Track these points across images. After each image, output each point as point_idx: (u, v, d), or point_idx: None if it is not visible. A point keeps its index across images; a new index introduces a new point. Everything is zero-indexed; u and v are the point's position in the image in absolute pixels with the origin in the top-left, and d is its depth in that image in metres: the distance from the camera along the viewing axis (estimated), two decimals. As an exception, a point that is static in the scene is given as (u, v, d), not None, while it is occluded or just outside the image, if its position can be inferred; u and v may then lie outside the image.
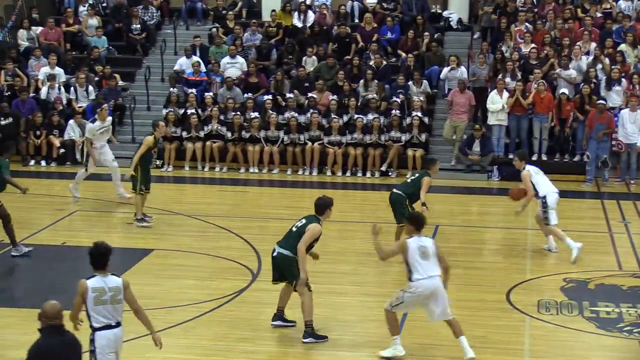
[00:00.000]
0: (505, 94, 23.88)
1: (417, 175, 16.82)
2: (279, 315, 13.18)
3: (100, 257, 9.72)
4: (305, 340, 12.68)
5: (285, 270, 12.75)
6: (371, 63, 25.69)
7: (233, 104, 24.59)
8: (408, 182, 16.81)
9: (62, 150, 24.17)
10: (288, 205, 19.15)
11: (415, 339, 12.82)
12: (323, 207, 12.88)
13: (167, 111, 24.50)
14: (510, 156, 23.79)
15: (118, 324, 9.85)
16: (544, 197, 16.82)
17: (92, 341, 9.67)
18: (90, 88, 25.37)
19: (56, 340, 8.37)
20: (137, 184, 18.33)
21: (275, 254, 12.81)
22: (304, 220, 12.84)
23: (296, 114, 24.25)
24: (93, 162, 19.95)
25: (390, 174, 23.48)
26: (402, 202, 16.36)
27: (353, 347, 12.69)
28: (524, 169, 16.99)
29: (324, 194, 13.52)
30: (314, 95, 24.79)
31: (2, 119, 24.25)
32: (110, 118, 20.44)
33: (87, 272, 15.52)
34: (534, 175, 16.95)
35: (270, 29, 27.22)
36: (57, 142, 24.18)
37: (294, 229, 12.81)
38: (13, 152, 19.93)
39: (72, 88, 25.50)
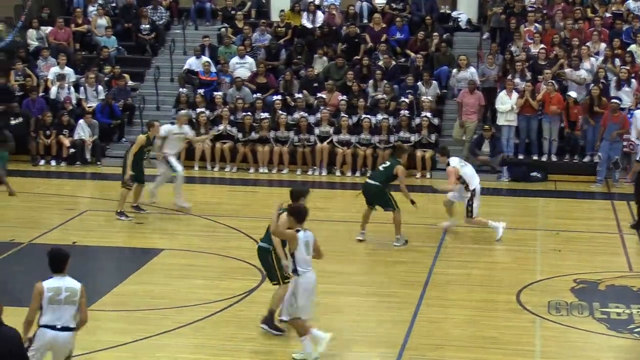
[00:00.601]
0: (515, 95, 23.85)
1: (388, 163, 17.46)
2: (269, 319, 12.97)
3: (60, 261, 9.86)
4: (261, 325, 12.81)
5: (264, 263, 13.05)
6: (380, 63, 25.69)
7: (242, 104, 24.61)
8: (381, 170, 17.53)
9: (72, 150, 24.20)
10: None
11: (425, 340, 12.82)
12: (297, 196, 12.89)
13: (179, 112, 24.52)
14: (520, 157, 23.83)
15: (64, 329, 9.76)
16: (474, 190, 17.42)
17: (34, 336, 9.67)
18: (100, 88, 25.41)
19: None
20: (126, 179, 18.76)
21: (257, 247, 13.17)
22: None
23: (306, 114, 24.26)
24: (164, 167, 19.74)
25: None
26: (380, 191, 17.10)
27: (364, 348, 12.68)
28: (448, 164, 17.51)
29: (302, 183, 13.64)
30: (323, 96, 24.80)
31: (12, 118, 24.30)
32: (186, 127, 20.27)
33: (96, 272, 15.60)
34: (461, 169, 17.52)
35: (279, 29, 27.23)
36: (67, 141, 24.21)
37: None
38: (13, 145, 19.93)
39: (81, 88, 25.54)
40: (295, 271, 11.78)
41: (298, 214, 11.82)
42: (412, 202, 17.16)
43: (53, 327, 9.70)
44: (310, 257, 11.88)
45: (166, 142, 19.63)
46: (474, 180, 17.53)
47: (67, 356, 10.01)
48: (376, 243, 17.55)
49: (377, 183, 17.19)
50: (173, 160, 19.70)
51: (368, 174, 18.27)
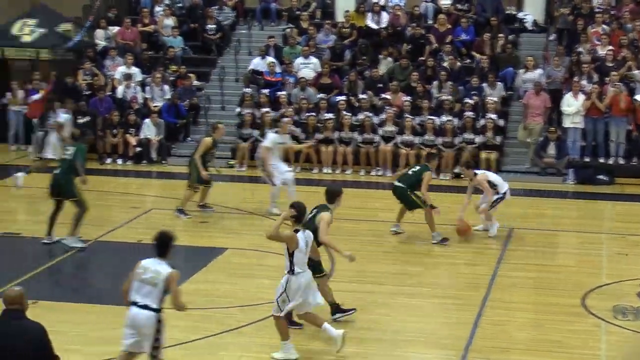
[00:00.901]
0: (581, 97, 23.62)
1: (417, 168, 17.87)
2: (336, 308, 13.29)
3: (159, 246, 10.41)
4: (333, 318, 13.08)
5: None
6: (445, 64, 25.59)
7: (307, 104, 24.67)
8: (409, 173, 17.77)
9: (138, 149, 24.44)
10: (360, 206, 19.13)
11: (489, 342, 12.75)
12: (333, 195, 13.18)
13: (243, 112, 24.66)
14: (587, 159, 23.58)
15: (145, 307, 10.23)
16: (504, 193, 17.82)
17: None
18: (166, 87, 25.63)
19: (4, 322, 8.32)
20: (191, 181, 18.88)
21: None
22: (314, 211, 13.14)
23: (371, 114, 24.25)
24: (271, 174, 19.48)
25: (463, 176, 23.33)
26: (404, 192, 17.49)
27: (426, 349, 12.65)
28: (475, 174, 17.80)
29: (334, 181, 13.84)
30: (388, 97, 24.77)
31: (79, 117, 24.62)
32: (287, 135, 20.26)
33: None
34: (489, 176, 18.02)
35: (344, 29, 27.25)
36: (133, 140, 24.46)
37: (308, 220, 12.96)
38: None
39: (148, 87, 25.79)
40: (291, 271, 11.84)
41: (299, 214, 11.97)
42: (432, 207, 17.40)
43: (134, 304, 10.26)
44: (307, 257, 11.96)
45: (270, 153, 19.38)
46: (504, 185, 17.91)
47: (151, 341, 10.33)
48: (442, 244, 17.48)
49: (403, 186, 17.56)
50: (278, 170, 19.42)
51: (397, 176, 18.38)
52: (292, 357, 12.07)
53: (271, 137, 19.56)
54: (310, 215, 13.06)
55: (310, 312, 12.18)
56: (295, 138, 24.12)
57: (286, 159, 23.38)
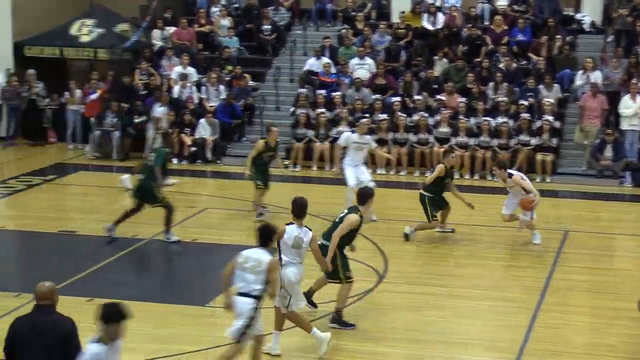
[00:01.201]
0: (639, 99, 23.35)
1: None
2: (307, 295, 13.38)
3: (261, 236, 11.05)
4: (330, 325, 13.07)
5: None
6: (501, 65, 25.44)
7: (361, 105, 24.66)
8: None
9: (193, 149, 24.57)
10: (415, 207, 19.03)
11: (543, 346, 12.65)
12: (364, 197, 13.37)
13: (298, 112, 24.71)
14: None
15: (246, 294, 10.80)
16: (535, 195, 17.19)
17: None
18: (221, 87, 25.76)
19: (34, 317, 8.51)
20: (254, 180, 18.86)
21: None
22: (345, 211, 13.31)
23: (426, 115, 24.16)
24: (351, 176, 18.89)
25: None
26: (421, 199, 17.57)
27: (480, 352, 12.59)
28: (510, 176, 17.27)
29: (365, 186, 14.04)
30: (443, 98, 24.68)
31: (136, 117, 24.83)
32: (368, 137, 19.46)
33: (213, 269, 15.78)
34: (524, 176, 17.58)
35: (400, 30, 27.19)
36: (188, 140, 24.60)
37: (337, 219, 13.25)
38: (173, 141, 20.17)
39: (203, 87, 25.94)
40: (280, 261, 11.95)
41: (293, 208, 12.24)
42: (469, 204, 17.47)
43: (237, 293, 10.88)
44: (298, 251, 12.02)
45: (346, 152, 19.03)
46: (534, 190, 17.36)
47: (242, 324, 10.83)
48: (496, 246, 17.39)
49: (422, 192, 17.65)
50: (349, 173, 18.84)
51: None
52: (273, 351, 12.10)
53: (345, 136, 19.26)
54: (341, 215, 13.25)
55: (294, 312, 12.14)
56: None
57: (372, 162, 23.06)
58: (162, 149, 17.44)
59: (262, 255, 10.88)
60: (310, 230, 12.21)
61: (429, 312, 13.83)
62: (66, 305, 13.81)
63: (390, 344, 12.70)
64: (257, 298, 10.85)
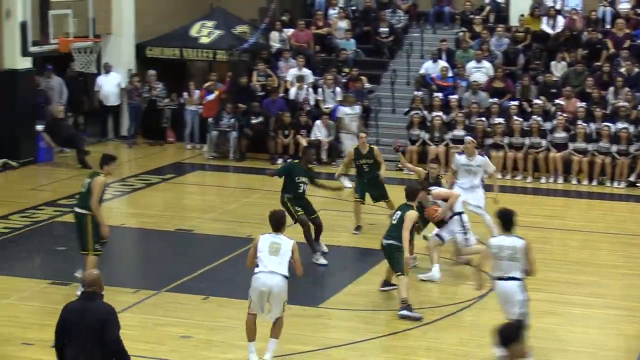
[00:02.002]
0: None
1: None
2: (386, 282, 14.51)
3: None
4: (400, 313, 13.49)
5: (391, 257, 13.83)
6: (622, 70, 24.94)
7: (477, 108, 24.46)
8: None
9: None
10: (530, 212, 18.84)
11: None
12: (413, 193, 14.20)
13: (412, 113, 24.64)
14: None
15: (512, 278, 11.49)
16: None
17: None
18: (338, 89, 25.84)
19: (82, 302, 8.92)
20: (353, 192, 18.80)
21: (383, 245, 13.98)
22: (399, 212, 13.97)
23: (539, 119, 23.81)
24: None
25: (638, 184, 22.70)
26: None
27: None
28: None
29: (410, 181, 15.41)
30: (561, 102, 24.31)
31: (253, 118, 25.10)
32: (480, 158, 17.20)
33: (328, 270, 15.89)
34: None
35: (518, 33, 26.88)
36: (304, 141, 24.72)
37: (394, 221, 13.96)
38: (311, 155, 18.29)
39: (319, 89, 26.06)
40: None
41: (270, 219, 12.04)
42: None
43: (500, 278, 11.56)
44: (273, 260, 11.64)
45: (457, 177, 17.12)
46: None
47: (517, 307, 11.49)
48: (615, 254, 17.08)
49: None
50: (460, 204, 15.89)
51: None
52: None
53: (455, 159, 17.54)
54: (397, 217, 13.84)
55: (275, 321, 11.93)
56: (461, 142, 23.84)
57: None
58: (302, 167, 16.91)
59: (514, 241, 11.56)
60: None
61: (545, 319, 13.61)
62: (182, 302, 14.15)
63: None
64: (520, 280, 11.55)
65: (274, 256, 11.60)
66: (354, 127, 23.95)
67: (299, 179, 16.53)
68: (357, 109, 24.43)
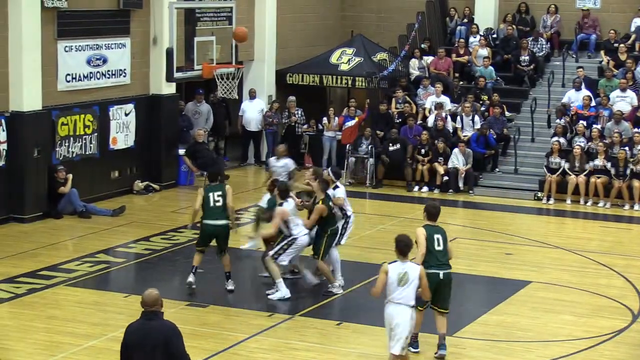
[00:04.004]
0: None
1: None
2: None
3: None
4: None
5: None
6: None
7: (620, 138, 23.93)
8: None
9: (445, 178, 24.58)
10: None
11: None
12: (436, 214, 13.17)
13: (552, 140, 24.29)
14: None
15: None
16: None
17: None
18: (476, 118, 25.66)
19: (143, 322, 8.96)
20: None
21: (442, 277, 12.77)
22: (439, 236, 12.90)
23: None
24: None
25: None
26: None
27: None
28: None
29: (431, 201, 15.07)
30: None
31: (391, 144, 25.12)
32: None
33: (463, 299, 15.75)
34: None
35: (664, 62, 26.28)
36: (441, 169, 24.63)
37: (442, 247, 12.85)
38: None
39: (458, 117, 25.94)
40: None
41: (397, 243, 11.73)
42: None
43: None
44: (401, 291, 11.49)
45: None
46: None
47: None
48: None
49: None
50: None
51: None
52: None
53: None
54: (442, 240, 12.88)
55: None
56: (606, 172, 23.41)
57: (596, 194, 21.77)
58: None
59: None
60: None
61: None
62: (316, 327, 14.22)
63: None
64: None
65: (402, 287, 11.45)
66: None
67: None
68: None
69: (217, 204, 15.57)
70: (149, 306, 9.00)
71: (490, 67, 27.55)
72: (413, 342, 12.89)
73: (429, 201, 16.20)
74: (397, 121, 26.17)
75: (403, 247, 11.51)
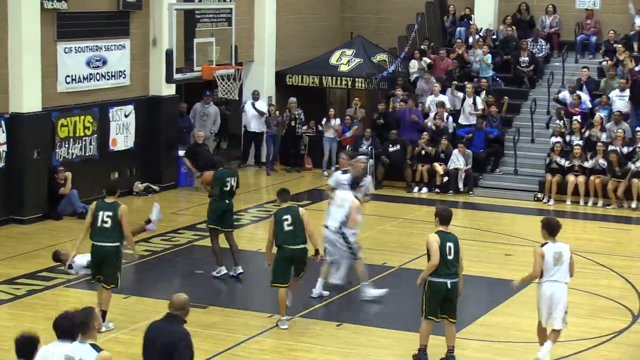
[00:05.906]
0: None
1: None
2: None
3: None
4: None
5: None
6: None
7: (621, 137, 23.90)
8: None
9: (445, 179, 24.57)
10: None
11: None
12: (449, 218, 12.81)
13: (554, 141, 24.29)
14: None
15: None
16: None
17: None
18: (478, 99, 25.74)
19: (162, 324, 9.03)
20: None
21: (450, 287, 12.64)
22: (451, 244, 12.58)
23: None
24: None
25: None
26: None
27: None
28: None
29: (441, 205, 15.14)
30: None
31: (390, 145, 25.11)
32: None
33: (463, 300, 15.73)
34: None
35: (664, 62, 26.27)
36: (441, 170, 24.62)
37: (453, 256, 12.56)
38: None
39: (458, 101, 26.03)
40: None
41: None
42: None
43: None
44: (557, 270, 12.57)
45: None
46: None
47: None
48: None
49: None
50: None
51: None
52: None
53: None
54: (454, 248, 12.63)
55: None
56: (604, 172, 23.41)
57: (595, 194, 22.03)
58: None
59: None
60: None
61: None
62: (315, 328, 14.22)
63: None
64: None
65: (557, 266, 12.45)
66: None
67: None
68: None
69: (105, 225, 13.59)
70: (174, 309, 9.01)
71: (488, 54, 27.38)
72: (422, 355, 12.85)
73: (438, 204, 16.16)
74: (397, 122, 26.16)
75: (554, 227, 12.64)
